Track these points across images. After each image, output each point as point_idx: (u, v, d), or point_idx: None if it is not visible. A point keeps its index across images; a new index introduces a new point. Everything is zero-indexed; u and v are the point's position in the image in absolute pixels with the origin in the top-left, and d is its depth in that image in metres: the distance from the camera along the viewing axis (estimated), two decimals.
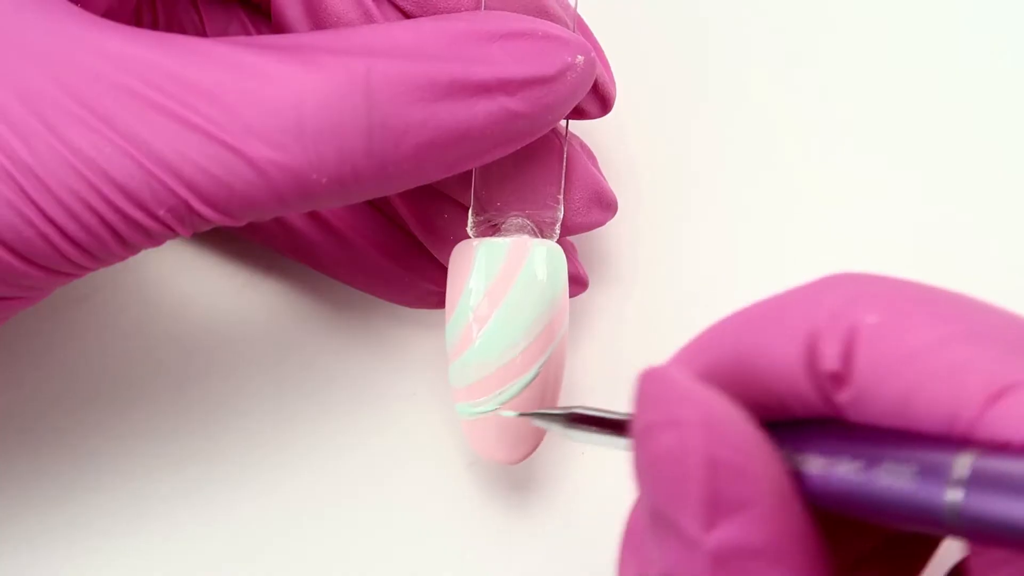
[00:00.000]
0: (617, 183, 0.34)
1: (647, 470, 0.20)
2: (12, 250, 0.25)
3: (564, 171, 0.30)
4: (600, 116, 0.31)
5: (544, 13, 0.29)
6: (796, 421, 0.21)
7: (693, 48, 0.37)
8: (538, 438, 0.31)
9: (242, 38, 0.27)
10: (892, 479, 0.19)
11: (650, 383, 0.21)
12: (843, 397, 0.20)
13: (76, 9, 0.27)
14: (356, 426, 0.35)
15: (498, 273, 0.30)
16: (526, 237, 0.30)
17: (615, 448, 0.25)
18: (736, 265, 0.36)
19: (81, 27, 0.26)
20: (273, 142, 0.25)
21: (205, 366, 0.34)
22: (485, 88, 0.26)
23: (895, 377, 0.19)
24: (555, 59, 0.27)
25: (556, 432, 0.27)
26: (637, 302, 0.36)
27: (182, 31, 0.32)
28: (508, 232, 0.30)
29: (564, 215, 0.31)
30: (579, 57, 0.28)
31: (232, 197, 0.25)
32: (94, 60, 0.25)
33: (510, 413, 0.30)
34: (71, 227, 0.25)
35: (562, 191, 0.30)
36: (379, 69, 0.26)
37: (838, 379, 0.20)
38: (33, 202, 0.25)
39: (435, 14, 0.29)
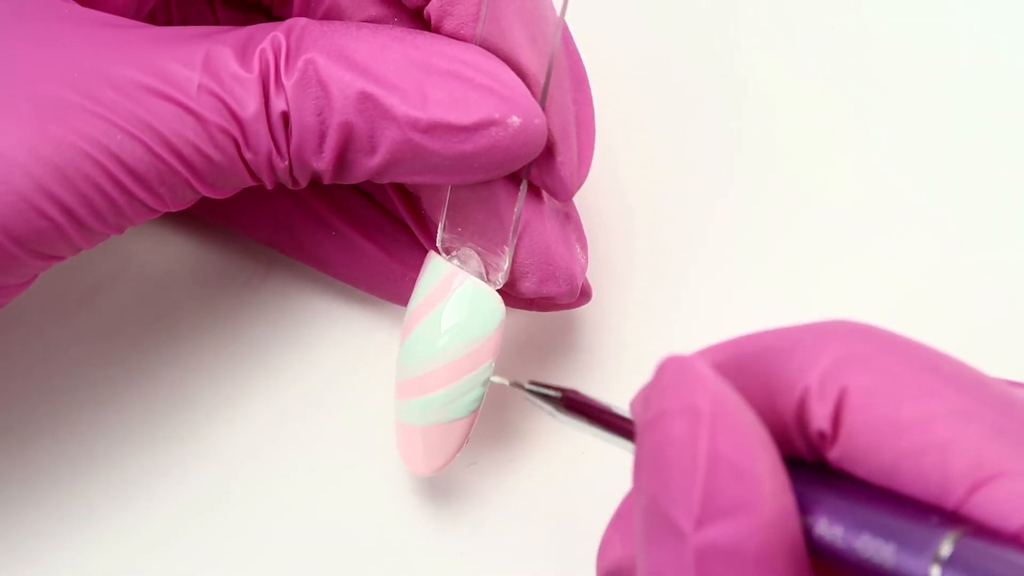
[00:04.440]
0: (622, 188, 0.34)
1: (651, 455, 0.20)
2: (20, 243, 0.26)
3: (516, 226, 0.30)
4: (563, 199, 0.31)
5: (519, 66, 0.29)
6: (792, 460, 0.21)
7: (693, 53, 0.37)
8: (446, 455, 0.31)
9: (227, 28, 0.28)
10: (874, 551, 0.19)
11: (673, 370, 0.20)
12: (831, 455, 0.20)
13: (79, 9, 0.27)
14: (357, 426, 0.34)
15: (431, 291, 0.30)
16: (462, 272, 0.30)
17: (600, 440, 0.25)
18: (736, 275, 0.36)
19: (83, 26, 0.27)
20: (249, 127, 0.27)
21: (205, 366, 0.34)
22: (392, 117, 0.27)
23: (882, 446, 0.20)
24: (475, 111, 0.28)
25: (546, 412, 0.26)
26: (635, 312, 0.36)
27: None
28: (461, 259, 0.31)
29: (514, 281, 0.31)
30: (513, 118, 0.28)
31: (219, 173, 0.28)
32: (96, 57, 0.27)
33: (501, 380, 0.30)
34: (82, 212, 0.27)
35: (509, 243, 0.30)
36: (311, 69, 0.27)
37: (826, 438, 0.20)
38: (50, 194, 0.26)
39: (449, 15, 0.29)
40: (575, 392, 0.26)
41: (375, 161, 0.28)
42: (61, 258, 0.28)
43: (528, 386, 0.27)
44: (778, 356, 0.21)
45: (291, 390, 0.34)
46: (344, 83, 0.27)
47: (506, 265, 0.30)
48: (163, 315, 0.34)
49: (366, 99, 0.27)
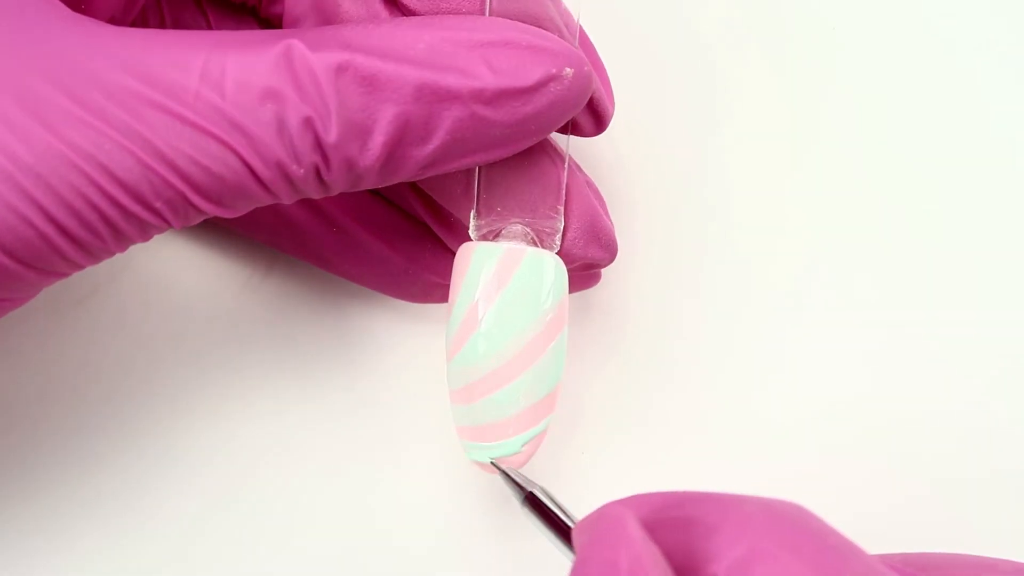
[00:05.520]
0: (624, 184, 0.34)
1: None
2: (9, 253, 0.26)
3: (565, 185, 0.30)
4: (595, 134, 0.31)
5: (542, 23, 0.29)
6: None
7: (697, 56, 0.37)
8: (529, 451, 0.30)
9: (228, 33, 0.27)
10: None
11: (606, 523, 0.22)
12: None
13: (69, 12, 0.27)
14: (356, 426, 0.35)
15: (490, 279, 0.30)
16: (522, 245, 0.30)
17: (552, 546, 0.27)
18: (739, 268, 0.36)
19: (75, 29, 0.26)
20: (255, 136, 0.26)
21: (206, 366, 0.34)
22: (455, 95, 0.26)
23: None
24: (535, 70, 0.27)
25: (516, 502, 0.28)
26: (641, 301, 0.36)
27: None
28: (507, 238, 0.30)
29: (561, 246, 0.30)
30: (567, 69, 0.27)
31: (224, 188, 0.26)
32: (88, 60, 0.26)
33: (483, 458, 0.30)
34: (71, 224, 0.26)
35: (563, 202, 0.30)
36: (351, 68, 0.26)
37: None
38: (35, 202, 0.25)
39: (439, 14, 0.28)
40: (543, 490, 0.28)
41: (427, 150, 0.27)
42: (62, 274, 0.27)
43: (504, 469, 0.29)
44: (699, 532, 0.22)
45: (292, 388, 0.34)
46: (395, 75, 0.26)
47: (560, 224, 0.30)
48: (163, 315, 0.34)
49: (422, 86, 0.26)
